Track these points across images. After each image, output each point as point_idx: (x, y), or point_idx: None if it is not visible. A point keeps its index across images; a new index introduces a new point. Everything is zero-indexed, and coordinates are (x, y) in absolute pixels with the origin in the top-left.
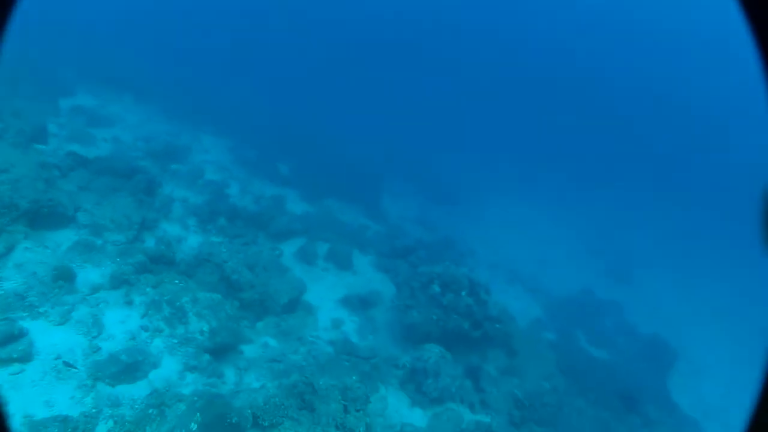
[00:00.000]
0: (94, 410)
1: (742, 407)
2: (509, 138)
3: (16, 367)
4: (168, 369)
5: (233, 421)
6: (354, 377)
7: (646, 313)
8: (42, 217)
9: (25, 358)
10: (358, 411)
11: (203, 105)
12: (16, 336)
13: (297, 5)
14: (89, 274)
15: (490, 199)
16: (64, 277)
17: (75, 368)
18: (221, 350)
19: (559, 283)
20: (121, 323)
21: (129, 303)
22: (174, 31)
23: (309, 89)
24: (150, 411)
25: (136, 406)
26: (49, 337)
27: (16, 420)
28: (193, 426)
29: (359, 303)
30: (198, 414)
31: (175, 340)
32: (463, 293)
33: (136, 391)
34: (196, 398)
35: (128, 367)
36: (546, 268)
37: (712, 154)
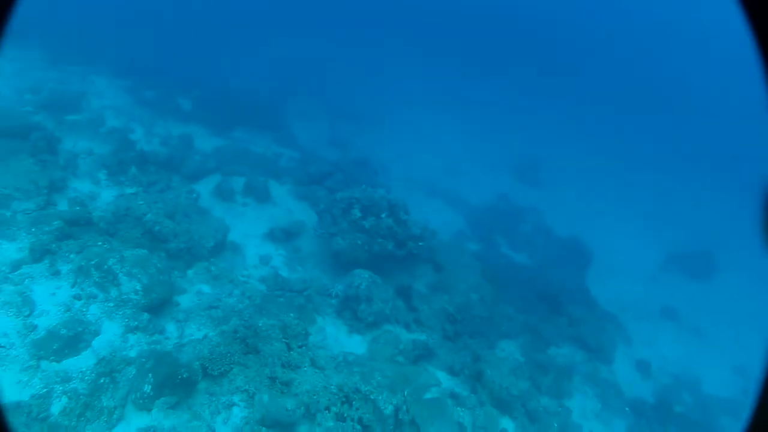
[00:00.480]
0: (44, 390)
1: (652, 299)
2: (411, 46)
3: None
4: (110, 334)
5: (184, 377)
6: (291, 314)
7: (561, 214)
8: None
9: None
10: (300, 347)
11: (88, 44)
12: None
13: None
14: (6, 251)
15: (397, 110)
16: None
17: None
18: (158, 306)
19: (476, 192)
20: (52, 296)
21: (56, 274)
22: None
23: (201, 17)
24: (101, 380)
25: (87, 378)
26: None
27: None
28: (147, 387)
29: (283, 235)
30: (149, 375)
31: (111, 304)
32: (383, 215)
33: (83, 363)
34: (144, 359)
35: (70, 339)
36: (461, 178)
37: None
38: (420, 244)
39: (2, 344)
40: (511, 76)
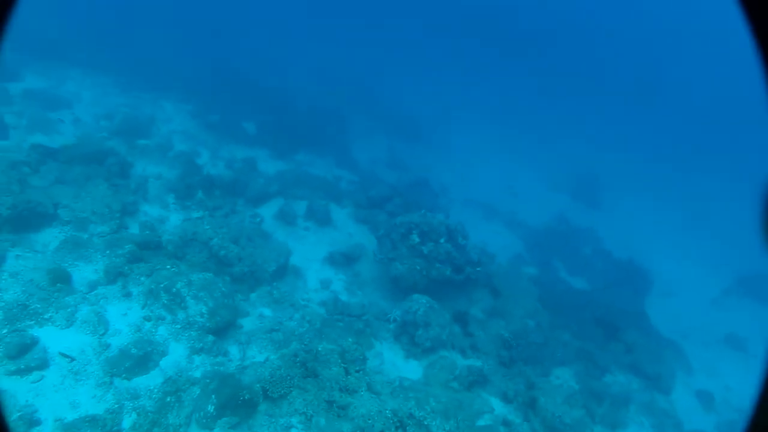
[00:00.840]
0: (116, 406)
1: (716, 325)
2: (466, 67)
3: (36, 375)
4: (176, 355)
5: (246, 398)
6: (350, 339)
7: (620, 236)
8: (24, 220)
9: (43, 365)
10: (357, 371)
11: (155, 70)
12: (29, 345)
13: None
14: (83, 272)
15: (454, 129)
16: (61, 278)
17: (71, 358)
18: (222, 328)
19: (535, 213)
20: (124, 316)
21: (127, 295)
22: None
23: (258, 39)
24: (168, 399)
25: (154, 396)
26: (60, 341)
27: (48, 425)
28: (210, 408)
29: (343, 259)
30: (213, 395)
31: (178, 326)
32: (442, 240)
33: (151, 381)
34: (208, 380)
35: (140, 359)
36: (520, 199)
37: (667, 77)
38: (478, 269)
39: (77, 359)
40: (570, 90)
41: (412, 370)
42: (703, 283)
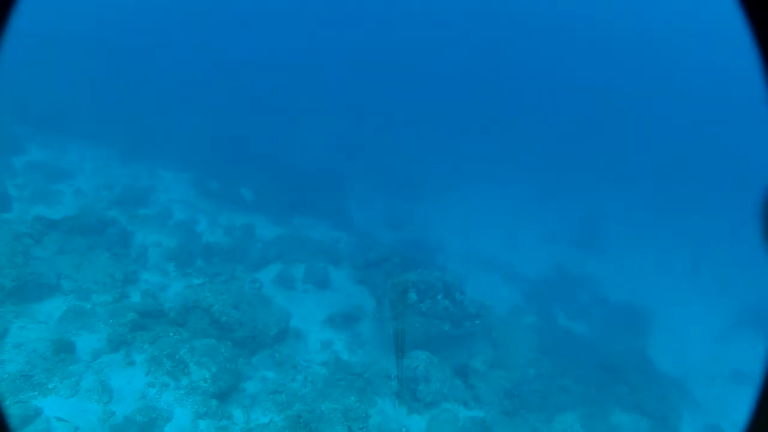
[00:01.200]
0: None
1: (721, 360)
2: (463, 120)
3: None
4: (181, 420)
5: None
6: (352, 397)
7: (620, 277)
8: (28, 291)
9: None
10: (361, 429)
11: (154, 139)
12: (32, 416)
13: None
14: (87, 341)
15: (452, 184)
16: (64, 348)
17: (67, 422)
18: (226, 392)
19: (533, 263)
20: (128, 384)
21: (131, 363)
22: (107, 68)
23: (254, 102)
24: None
25: None
26: (64, 410)
27: None
28: None
29: (343, 320)
30: None
31: (182, 392)
32: (439, 297)
33: None
34: None
35: (144, 425)
36: (518, 250)
37: (670, 120)
38: (476, 322)
39: (81, 428)
40: (567, 136)
41: (415, 424)
42: (705, 320)
